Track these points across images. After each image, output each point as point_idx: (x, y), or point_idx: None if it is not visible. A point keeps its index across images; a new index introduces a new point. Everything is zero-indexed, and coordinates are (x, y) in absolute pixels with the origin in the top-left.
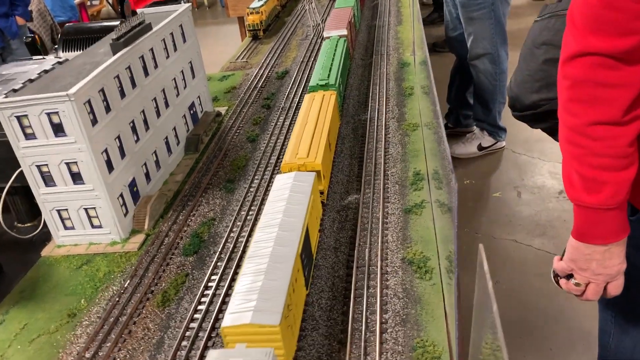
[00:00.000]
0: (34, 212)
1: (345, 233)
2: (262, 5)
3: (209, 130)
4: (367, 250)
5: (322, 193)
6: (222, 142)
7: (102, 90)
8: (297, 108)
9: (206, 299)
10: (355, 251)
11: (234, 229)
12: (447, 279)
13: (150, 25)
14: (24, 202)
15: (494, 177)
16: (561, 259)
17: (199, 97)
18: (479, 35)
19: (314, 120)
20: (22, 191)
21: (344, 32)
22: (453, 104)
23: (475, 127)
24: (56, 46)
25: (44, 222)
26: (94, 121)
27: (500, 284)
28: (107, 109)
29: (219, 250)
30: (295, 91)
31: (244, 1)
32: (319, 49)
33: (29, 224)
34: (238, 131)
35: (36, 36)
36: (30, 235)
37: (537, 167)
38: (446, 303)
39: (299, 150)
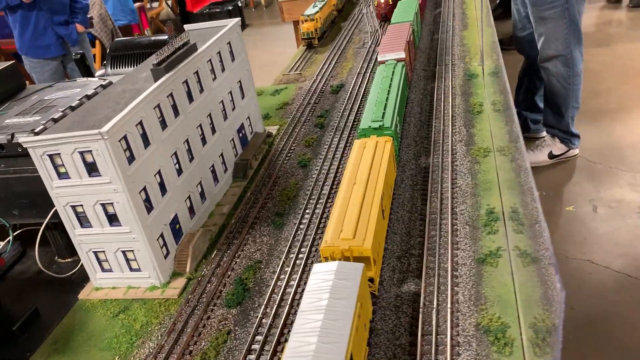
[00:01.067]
0: (74, 247)
1: (407, 286)
2: (317, 12)
3: (259, 154)
4: (434, 312)
5: (372, 282)
6: (271, 168)
7: (141, 123)
8: (353, 128)
9: None
10: (420, 313)
11: (282, 276)
12: (532, 355)
13: (195, 45)
14: (63, 237)
15: (566, 188)
16: None
17: (248, 117)
18: (551, 35)
19: (364, 180)
20: (62, 226)
21: (402, 54)
22: (521, 108)
23: (545, 133)
24: (104, 62)
25: None
26: (131, 159)
27: (574, 310)
28: (146, 143)
29: (265, 302)
30: (351, 108)
31: (299, 5)
32: (376, 60)
33: (69, 259)
34: (289, 155)
35: (97, 41)
36: (69, 274)
37: (615, 178)
38: None
39: (344, 227)
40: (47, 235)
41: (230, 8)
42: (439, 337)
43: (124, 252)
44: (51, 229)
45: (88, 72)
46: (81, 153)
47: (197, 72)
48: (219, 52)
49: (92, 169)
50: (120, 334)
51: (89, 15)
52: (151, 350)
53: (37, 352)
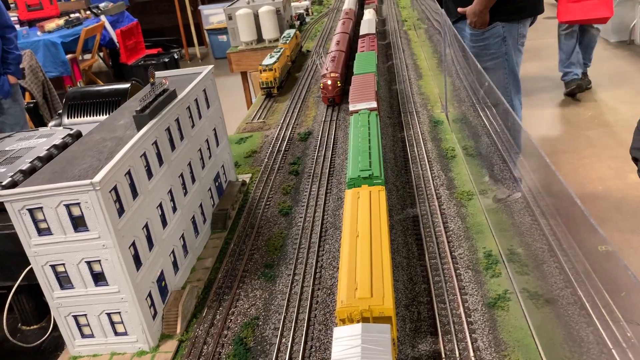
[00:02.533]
0: (41, 311)
1: (422, 337)
2: (275, 62)
3: (236, 204)
4: None
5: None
6: (252, 218)
7: (129, 172)
8: (330, 174)
9: None
10: None
11: (286, 333)
12: None
13: (175, 92)
14: (29, 302)
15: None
16: None
17: (222, 166)
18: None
19: (366, 232)
20: (27, 289)
21: (374, 104)
22: None
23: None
24: (60, 111)
25: (54, 324)
26: (121, 211)
27: None
28: (134, 193)
29: None
30: (324, 155)
31: (248, 56)
32: (339, 109)
33: (35, 326)
34: (268, 203)
35: (27, 93)
36: (39, 342)
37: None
38: None
39: (358, 284)
40: (11, 300)
41: (166, 60)
42: None
43: (109, 314)
44: (16, 292)
45: (41, 122)
46: (67, 206)
47: (177, 119)
48: (196, 99)
49: (78, 223)
50: None
51: (20, 66)
52: None
53: None
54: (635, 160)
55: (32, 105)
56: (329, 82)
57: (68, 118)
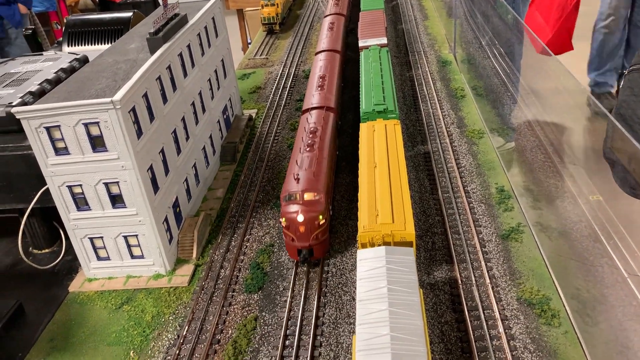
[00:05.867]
0: (53, 235)
1: (438, 264)
2: None
3: (244, 137)
4: (474, 288)
5: None
6: (261, 152)
7: (146, 95)
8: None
9: (291, 353)
10: (461, 289)
11: None
12: (582, 325)
13: (186, 17)
14: (41, 225)
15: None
16: None
17: (230, 99)
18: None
19: (384, 163)
20: (39, 212)
21: (384, 40)
22: None
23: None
24: (59, 39)
25: (66, 248)
26: (139, 132)
27: None
28: (151, 117)
29: (290, 286)
30: None
31: None
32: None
33: (47, 250)
34: (276, 138)
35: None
36: (52, 265)
37: (544, 167)
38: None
39: (379, 211)
40: (23, 223)
41: None
42: (486, 312)
43: (125, 237)
44: (29, 215)
45: (40, 49)
46: (86, 125)
47: (189, 46)
48: (205, 27)
49: (97, 143)
50: (129, 326)
51: None
52: (171, 342)
53: (32, 351)
54: (609, 161)
55: (30, 31)
56: (301, 217)
57: (69, 46)
